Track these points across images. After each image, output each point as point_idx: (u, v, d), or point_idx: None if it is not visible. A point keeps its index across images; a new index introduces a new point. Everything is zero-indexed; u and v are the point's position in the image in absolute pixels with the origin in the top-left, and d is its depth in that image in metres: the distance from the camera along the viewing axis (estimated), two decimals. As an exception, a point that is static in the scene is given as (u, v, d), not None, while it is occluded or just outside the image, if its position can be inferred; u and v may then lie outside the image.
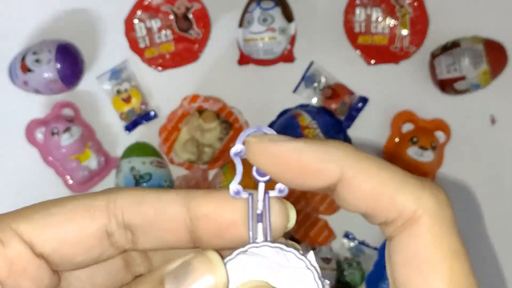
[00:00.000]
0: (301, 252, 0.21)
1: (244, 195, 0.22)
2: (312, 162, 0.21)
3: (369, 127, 0.80)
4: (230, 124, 0.78)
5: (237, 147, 0.23)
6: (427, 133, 0.77)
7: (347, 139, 0.78)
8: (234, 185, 0.22)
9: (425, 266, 0.20)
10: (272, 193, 0.22)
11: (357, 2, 0.79)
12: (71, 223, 0.22)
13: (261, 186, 0.22)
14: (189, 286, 0.20)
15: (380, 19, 0.79)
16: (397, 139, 0.78)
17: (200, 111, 0.79)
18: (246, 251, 0.21)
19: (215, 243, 0.22)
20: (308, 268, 0.21)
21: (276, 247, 0.21)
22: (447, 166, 0.78)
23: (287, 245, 0.21)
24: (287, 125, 0.76)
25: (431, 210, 0.20)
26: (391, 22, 0.78)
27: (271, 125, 0.79)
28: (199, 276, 0.20)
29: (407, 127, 0.79)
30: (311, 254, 0.22)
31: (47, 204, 0.22)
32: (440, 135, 0.78)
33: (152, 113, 0.80)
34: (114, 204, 0.22)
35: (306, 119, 0.75)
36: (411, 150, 0.76)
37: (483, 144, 0.79)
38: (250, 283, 0.21)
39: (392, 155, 0.78)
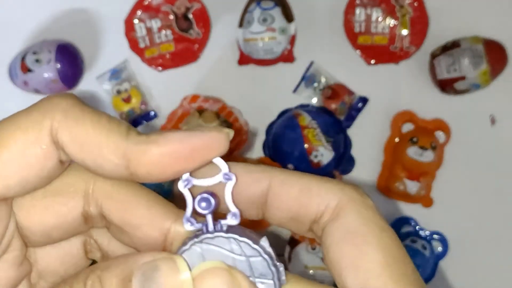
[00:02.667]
0: (254, 240, 0.21)
1: (198, 226, 0.22)
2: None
3: (369, 127, 0.80)
4: (230, 124, 0.78)
5: (184, 177, 0.22)
6: (427, 133, 0.77)
7: (347, 139, 0.79)
8: (187, 218, 0.23)
9: (358, 239, 0.21)
10: (224, 222, 0.22)
11: (357, 2, 0.79)
12: (28, 167, 0.22)
13: (208, 218, 0.22)
14: None
15: (380, 19, 0.79)
16: (397, 139, 0.78)
17: (200, 111, 0.79)
18: (200, 241, 0.21)
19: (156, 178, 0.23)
20: (262, 256, 0.21)
21: (230, 237, 0.21)
22: (447, 166, 0.78)
23: (242, 235, 0.21)
24: (287, 125, 0.76)
25: (355, 198, 0.22)
26: (391, 22, 0.78)
27: (271, 125, 0.79)
28: (166, 282, 0.20)
29: (407, 127, 0.79)
30: (264, 241, 0.22)
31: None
32: (440, 135, 0.78)
33: (152, 113, 0.80)
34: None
35: (306, 119, 0.75)
36: (411, 150, 0.76)
37: (483, 144, 0.79)
38: (205, 264, 0.21)
39: (392, 155, 0.78)
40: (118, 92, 0.80)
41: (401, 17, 0.78)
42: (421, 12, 0.78)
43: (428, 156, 0.75)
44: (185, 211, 0.23)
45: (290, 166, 0.75)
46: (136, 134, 0.21)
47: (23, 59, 0.76)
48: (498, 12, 0.80)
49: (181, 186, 0.22)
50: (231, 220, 0.22)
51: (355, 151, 0.79)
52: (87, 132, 0.21)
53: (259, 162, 0.75)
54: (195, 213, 0.22)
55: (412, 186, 0.76)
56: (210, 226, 0.22)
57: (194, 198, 0.22)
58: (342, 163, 0.77)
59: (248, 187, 0.22)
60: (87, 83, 0.81)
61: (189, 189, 0.22)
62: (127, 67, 0.81)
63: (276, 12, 0.76)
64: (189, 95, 0.78)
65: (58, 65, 0.75)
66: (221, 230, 0.22)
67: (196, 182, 0.22)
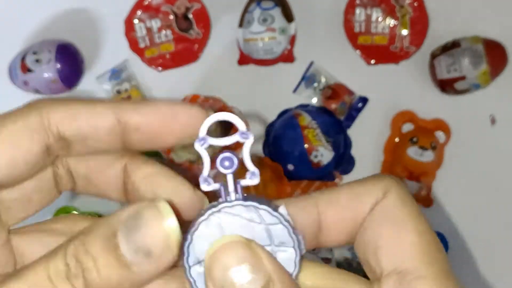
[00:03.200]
0: (274, 208, 0.21)
1: (216, 186, 0.22)
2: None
3: (369, 127, 0.80)
4: (230, 124, 0.78)
5: (200, 135, 0.22)
6: (427, 133, 0.77)
7: (347, 139, 0.79)
8: (204, 178, 0.22)
9: (396, 222, 0.22)
10: (244, 182, 0.22)
11: (357, 2, 0.79)
12: (16, 148, 0.22)
13: (229, 178, 0.21)
14: (142, 238, 0.20)
15: (380, 19, 0.79)
16: (397, 139, 0.78)
17: (200, 111, 0.79)
18: (219, 210, 0.21)
19: (147, 147, 0.24)
20: (282, 224, 0.21)
21: (250, 205, 0.21)
22: (447, 166, 0.78)
23: (261, 202, 0.21)
24: (287, 125, 0.76)
25: (395, 185, 0.23)
26: (391, 22, 0.78)
27: (271, 125, 0.79)
28: (150, 227, 0.20)
29: (407, 127, 0.79)
30: (283, 208, 0.21)
31: None
32: (440, 135, 0.78)
33: (152, 113, 0.80)
34: (49, 121, 0.23)
35: (306, 119, 0.75)
36: (411, 150, 0.76)
37: (483, 144, 0.79)
38: (224, 239, 0.21)
39: (392, 155, 0.78)
40: (118, 92, 0.80)
41: (401, 17, 0.78)
42: (421, 12, 0.78)
43: (428, 156, 0.75)
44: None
45: (290, 166, 0.75)
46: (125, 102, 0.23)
47: (23, 59, 0.76)
48: (498, 12, 0.80)
49: (197, 146, 0.22)
50: (250, 180, 0.22)
51: (355, 151, 0.79)
52: (76, 105, 0.23)
53: (259, 162, 0.75)
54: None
55: (412, 186, 0.76)
56: (231, 186, 0.21)
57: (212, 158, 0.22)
58: (342, 163, 0.77)
59: (298, 218, 0.22)
60: (87, 83, 0.81)
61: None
62: (127, 67, 0.81)
63: (276, 12, 0.76)
64: (189, 95, 0.78)
65: (58, 65, 0.75)
66: (240, 199, 0.21)
67: (212, 141, 0.22)
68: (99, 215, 0.78)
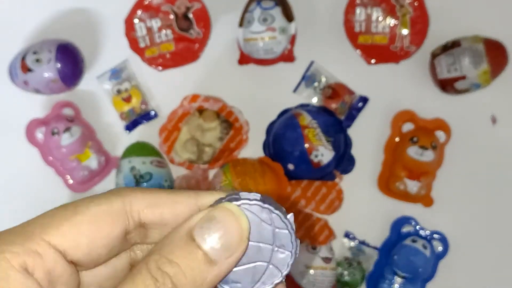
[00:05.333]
0: (285, 215, 0.24)
1: None
2: None
3: (370, 126, 0.80)
4: (230, 124, 0.78)
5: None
6: (428, 132, 0.77)
7: (347, 139, 0.79)
8: None
9: None
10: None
11: (357, 1, 0.79)
12: (97, 231, 0.24)
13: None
14: (220, 234, 0.23)
15: (380, 18, 0.78)
16: (397, 139, 0.78)
17: (200, 111, 0.79)
18: (239, 204, 0.24)
19: None
20: (288, 230, 0.24)
21: (266, 207, 0.24)
22: (447, 165, 0.78)
23: (275, 206, 0.24)
24: (287, 125, 0.76)
25: None
26: (391, 21, 0.78)
27: (271, 125, 0.79)
28: (227, 224, 0.23)
29: (407, 127, 0.79)
30: (291, 217, 0.25)
31: (69, 212, 0.24)
32: (440, 134, 0.78)
33: (152, 113, 0.80)
34: (131, 207, 0.24)
35: (306, 119, 0.75)
36: (411, 149, 0.76)
37: (483, 144, 0.79)
38: (238, 211, 0.24)
39: (392, 155, 0.78)
40: (118, 91, 0.80)
41: (402, 16, 0.78)
42: (422, 11, 0.78)
43: (428, 155, 0.75)
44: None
45: (290, 166, 0.75)
46: (204, 195, 0.25)
47: (23, 58, 0.76)
48: (498, 11, 0.80)
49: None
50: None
51: (355, 151, 0.79)
52: (158, 194, 0.25)
53: (259, 162, 0.75)
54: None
55: (413, 186, 0.76)
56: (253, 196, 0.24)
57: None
58: (342, 162, 0.77)
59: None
60: (87, 83, 0.81)
61: None
62: (127, 66, 0.81)
63: (276, 12, 0.76)
64: (190, 95, 0.78)
65: (58, 65, 0.75)
66: (258, 199, 0.24)
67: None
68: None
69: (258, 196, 0.24)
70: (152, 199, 0.25)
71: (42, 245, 0.22)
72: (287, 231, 0.24)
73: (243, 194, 0.24)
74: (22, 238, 0.22)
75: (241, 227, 0.23)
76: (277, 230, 0.24)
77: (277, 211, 0.24)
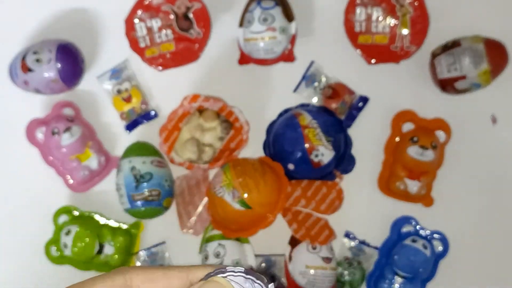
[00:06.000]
0: (266, 285, 0.28)
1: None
2: None
3: (370, 126, 0.80)
4: (230, 124, 0.78)
5: None
6: (428, 132, 0.77)
7: (347, 139, 0.79)
8: None
9: None
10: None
11: (357, 1, 0.79)
12: None
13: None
14: None
15: (380, 18, 0.78)
16: (397, 139, 0.78)
17: (201, 111, 0.79)
18: (225, 276, 0.27)
19: None
20: None
21: (249, 278, 0.28)
22: (447, 165, 0.78)
23: (257, 278, 0.28)
24: (287, 125, 0.76)
25: None
26: (391, 21, 0.78)
27: (271, 125, 0.79)
28: None
29: (408, 127, 0.79)
30: (272, 285, 0.28)
31: None
32: (440, 134, 0.78)
33: (153, 113, 0.80)
34: (131, 282, 0.28)
35: (306, 119, 0.75)
36: (412, 149, 0.76)
37: (483, 144, 0.79)
38: (212, 282, 0.28)
39: (392, 155, 0.78)
40: (119, 91, 0.80)
41: (402, 16, 0.78)
42: (422, 11, 0.78)
43: (428, 155, 0.75)
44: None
45: (290, 165, 0.75)
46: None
47: (23, 58, 0.76)
48: (498, 11, 0.80)
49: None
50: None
51: (355, 151, 0.79)
52: (154, 271, 0.29)
53: (259, 162, 0.75)
54: None
55: (413, 186, 0.76)
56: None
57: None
58: (342, 162, 0.77)
59: None
60: (88, 83, 0.81)
61: None
62: (128, 66, 0.81)
63: (277, 12, 0.76)
64: (190, 95, 0.78)
65: (59, 65, 0.75)
66: (242, 271, 0.28)
67: None
68: (100, 215, 0.79)
69: (242, 269, 0.28)
70: (149, 275, 0.29)
71: None
72: None
73: (229, 268, 0.28)
74: None
75: None
76: None
77: (258, 281, 0.28)
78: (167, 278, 0.29)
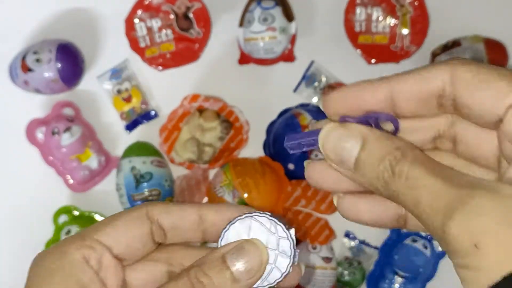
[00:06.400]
0: (287, 226, 0.31)
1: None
2: None
3: (370, 126, 0.79)
4: (230, 124, 0.78)
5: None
6: (428, 132, 0.77)
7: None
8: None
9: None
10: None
11: (357, 1, 0.79)
12: (131, 230, 0.32)
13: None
14: (245, 261, 0.30)
15: (380, 18, 0.79)
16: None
17: (201, 111, 0.79)
18: (252, 216, 0.31)
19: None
20: (288, 239, 0.30)
21: (272, 219, 0.31)
22: (447, 165, 0.78)
23: (279, 220, 0.31)
24: (287, 125, 0.76)
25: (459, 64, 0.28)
26: (391, 21, 0.78)
27: (271, 125, 0.79)
28: (252, 255, 0.30)
29: (408, 127, 0.79)
30: (292, 229, 0.31)
31: (110, 219, 0.32)
32: (440, 134, 0.78)
33: (153, 113, 0.80)
34: (152, 214, 0.32)
35: (306, 119, 0.75)
36: (412, 149, 0.76)
37: (483, 144, 0.79)
38: (249, 242, 0.30)
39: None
40: (119, 91, 0.80)
41: (402, 16, 0.78)
42: (422, 11, 0.78)
43: (428, 155, 0.75)
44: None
45: (290, 165, 0.75)
46: None
47: (23, 58, 0.76)
48: (498, 11, 0.80)
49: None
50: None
51: (355, 151, 0.79)
52: (170, 205, 0.33)
53: (259, 161, 0.75)
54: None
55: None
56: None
57: None
58: (342, 162, 0.77)
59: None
60: (88, 83, 0.81)
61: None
62: (128, 66, 0.81)
63: (277, 12, 0.76)
64: (190, 95, 0.78)
65: (59, 65, 0.75)
66: (268, 214, 0.31)
67: None
68: (100, 215, 0.79)
69: (267, 213, 0.31)
70: (165, 208, 0.32)
71: (94, 242, 0.31)
72: (287, 240, 0.30)
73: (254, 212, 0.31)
74: (80, 239, 0.31)
75: (262, 259, 0.30)
76: (280, 238, 0.30)
77: (280, 223, 0.30)
78: (180, 211, 0.32)
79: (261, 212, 0.31)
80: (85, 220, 0.77)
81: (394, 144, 0.25)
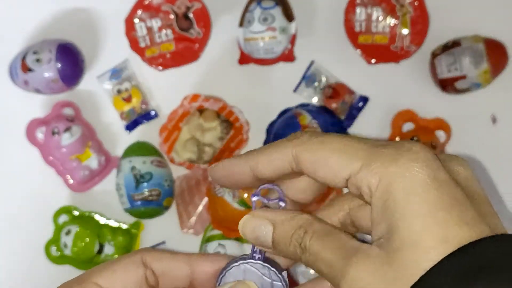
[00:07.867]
0: (280, 270, 0.32)
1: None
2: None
3: (370, 126, 0.80)
4: (230, 124, 0.78)
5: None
6: (428, 132, 0.77)
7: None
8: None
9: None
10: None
11: (357, 1, 0.79)
12: (127, 274, 0.33)
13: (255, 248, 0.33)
14: None
15: (380, 18, 0.79)
16: (397, 138, 0.78)
17: (201, 111, 0.79)
18: (247, 262, 0.32)
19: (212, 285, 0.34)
20: (281, 283, 0.32)
21: (266, 266, 0.32)
22: (447, 165, 0.78)
23: (272, 265, 0.32)
24: (287, 125, 0.76)
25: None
26: (391, 21, 0.78)
27: (271, 125, 0.79)
28: None
29: (408, 127, 0.79)
30: (285, 273, 0.33)
31: (110, 264, 0.34)
32: (440, 134, 0.78)
33: (153, 113, 0.80)
34: (146, 259, 0.34)
35: (306, 119, 0.75)
36: (412, 149, 0.75)
37: (484, 144, 0.79)
38: (243, 283, 0.32)
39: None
40: (119, 91, 0.80)
41: (402, 16, 0.78)
42: (422, 11, 0.78)
43: (428, 155, 0.75)
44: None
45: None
46: None
47: (23, 58, 0.76)
48: (498, 11, 0.80)
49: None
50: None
51: (355, 151, 0.79)
52: (163, 253, 0.35)
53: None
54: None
55: (413, 186, 0.76)
56: (257, 251, 0.33)
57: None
58: (342, 162, 0.77)
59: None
60: (88, 83, 0.81)
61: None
62: (128, 66, 0.81)
63: (277, 12, 0.76)
64: (190, 95, 0.78)
65: (59, 65, 0.75)
66: (261, 259, 0.32)
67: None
68: (100, 215, 0.79)
69: (261, 256, 0.32)
70: (158, 255, 0.34)
71: (92, 285, 0.33)
72: (280, 283, 0.32)
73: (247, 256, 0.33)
74: (78, 282, 0.33)
75: None
76: (274, 282, 0.32)
77: (273, 268, 0.32)
78: (171, 259, 0.34)
79: (255, 258, 0.32)
80: (85, 220, 0.77)
81: (297, 223, 0.30)
